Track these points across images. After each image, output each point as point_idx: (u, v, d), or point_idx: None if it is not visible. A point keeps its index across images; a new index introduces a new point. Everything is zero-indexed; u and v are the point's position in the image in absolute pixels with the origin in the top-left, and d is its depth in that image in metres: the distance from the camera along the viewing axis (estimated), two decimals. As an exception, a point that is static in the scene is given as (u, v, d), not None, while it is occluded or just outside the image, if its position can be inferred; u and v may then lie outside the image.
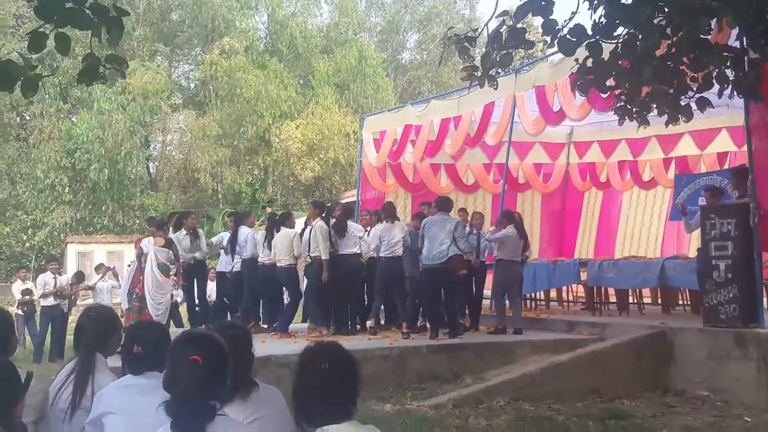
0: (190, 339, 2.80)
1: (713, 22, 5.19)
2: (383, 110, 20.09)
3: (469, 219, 12.00)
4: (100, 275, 15.57)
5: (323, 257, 10.79)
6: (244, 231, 12.17)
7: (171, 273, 11.59)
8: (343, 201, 26.37)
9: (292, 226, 11.71)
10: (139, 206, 34.33)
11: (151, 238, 11.65)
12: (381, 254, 11.06)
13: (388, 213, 11.30)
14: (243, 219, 12.68)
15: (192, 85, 42.20)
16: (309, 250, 11.11)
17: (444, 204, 10.65)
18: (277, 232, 11.50)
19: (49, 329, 14.30)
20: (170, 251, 11.54)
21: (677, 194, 14.21)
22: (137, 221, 33.58)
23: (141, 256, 11.60)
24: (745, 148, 8.99)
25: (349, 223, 11.33)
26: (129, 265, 12.80)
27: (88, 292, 15.86)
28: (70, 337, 13.88)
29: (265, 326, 11.96)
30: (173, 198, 38.46)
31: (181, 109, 38.22)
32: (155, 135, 37.95)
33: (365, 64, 37.39)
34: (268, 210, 30.03)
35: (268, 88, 34.29)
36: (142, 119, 34.37)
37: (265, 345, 9.38)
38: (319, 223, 10.96)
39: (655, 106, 5.73)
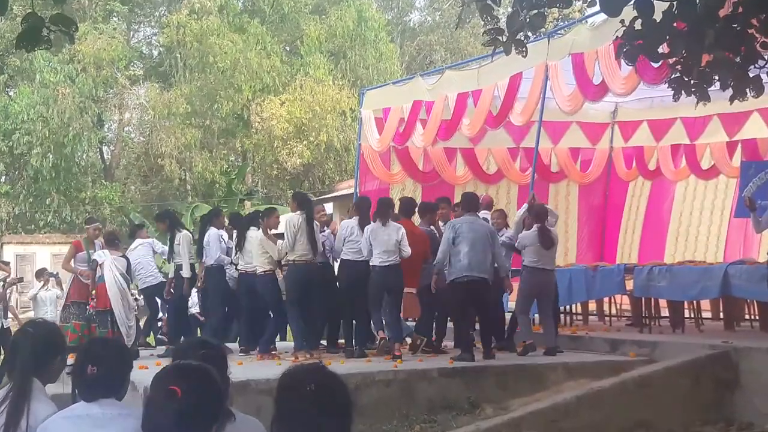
0: (174, 368, 2.84)
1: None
2: (387, 83, 20.13)
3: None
4: (42, 283, 15.58)
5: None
6: (211, 233, 12.18)
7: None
8: (337, 192, 26.43)
9: (275, 226, 11.69)
10: (91, 199, 34.37)
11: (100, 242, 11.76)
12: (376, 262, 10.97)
13: (381, 212, 11.21)
14: (212, 218, 12.69)
15: (155, 53, 42.19)
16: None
17: (472, 203, 10.67)
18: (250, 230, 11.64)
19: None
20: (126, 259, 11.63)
21: (744, 185, 14.18)
22: (87, 216, 33.62)
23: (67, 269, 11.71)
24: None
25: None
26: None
27: (27, 303, 15.90)
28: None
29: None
30: (132, 189, 38.51)
31: (141, 82, 38.25)
32: (110, 113, 37.98)
33: (365, 27, 37.34)
34: (247, 204, 30.09)
35: (247, 56, 34.26)
36: (94, 94, 34.38)
37: (242, 368, 9.38)
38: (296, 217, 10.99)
39: (717, 78, 5.72)
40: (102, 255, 11.55)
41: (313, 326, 11.57)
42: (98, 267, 11.58)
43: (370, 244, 10.75)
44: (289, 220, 10.99)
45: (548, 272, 11.05)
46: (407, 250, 10.76)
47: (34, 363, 3.86)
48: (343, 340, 11.79)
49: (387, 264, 10.76)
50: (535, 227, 10.93)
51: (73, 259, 12.08)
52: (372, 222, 11.00)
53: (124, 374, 3.67)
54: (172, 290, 12.07)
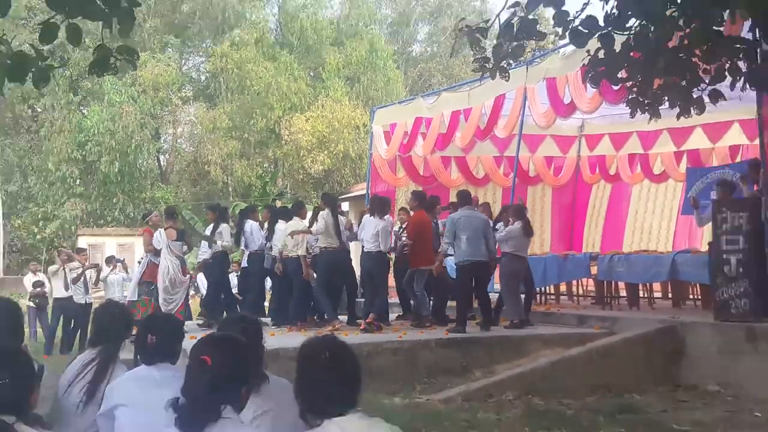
0: (208, 339, 2.83)
1: (726, 14, 5.16)
2: (394, 103, 20.10)
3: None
4: (111, 267, 15.61)
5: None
6: (253, 225, 12.17)
7: (188, 269, 11.63)
8: (352, 194, 26.43)
9: (303, 216, 11.70)
10: (150, 199, 34.44)
11: (162, 230, 11.58)
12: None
13: (377, 207, 11.17)
14: (249, 213, 12.68)
15: (202, 78, 42.26)
16: (317, 242, 11.16)
17: (467, 198, 10.66)
18: (285, 221, 11.58)
19: (61, 322, 14.34)
20: (183, 243, 11.52)
21: (689, 188, 14.15)
22: (141, 215, 33.71)
23: (150, 251, 11.59)
24: (757, 141, 8.94)
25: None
26: (139, 262, 12.76)
27: (99, 285, 15.92)
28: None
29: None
30: (183, 191, 38.57)
31: (191, 102, 38.32)
32: (165, 127, 38.05)
33: (376, 56, 37.36)
34: (278, 203, 30.09)
35: (278, 81, 34.31)
36: (152, 111, 34.48)
37: (274, 338, 9.39)
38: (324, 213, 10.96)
39: (667, 98, 5.70)
40: (159, 239, 11.45)
41: (337, 301, 11.54)
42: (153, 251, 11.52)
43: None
44: (321, 214, 10.99)
45: (524, 259, 11.04)
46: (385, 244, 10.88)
47: (118, 337, 4.04)
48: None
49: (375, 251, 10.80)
50: (518, 223, 10.90)
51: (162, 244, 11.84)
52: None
53: (177, 343, 3.71)
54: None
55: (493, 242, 10.57)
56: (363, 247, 10.96)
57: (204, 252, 12.07)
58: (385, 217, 11.19)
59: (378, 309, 10.88)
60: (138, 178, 34.89)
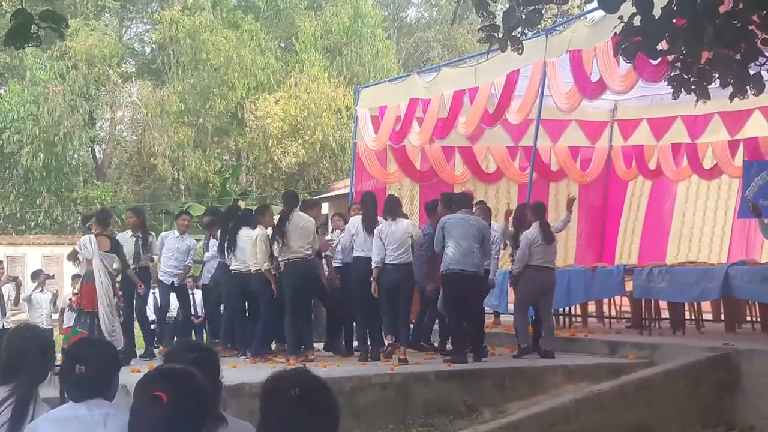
0: (159, 373, 2.84)
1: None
2: (383, 80, 20.13)
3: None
4: (36, 284, 15.55)
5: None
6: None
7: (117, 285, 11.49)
8: (333, 192, 26.43)
9: (267, 224, 11.60)
10: (83, 199, 34.34)
11: (92, 237, 11.38)
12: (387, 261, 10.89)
13: (389, 208, 11.20)
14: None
15: (147, 50, 42.15)
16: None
17: (465, 201, 10.71)
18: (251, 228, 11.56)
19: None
20: (117, 257, 11.43)
21: (746, 185, 14.22)
22: (79, 217, 33.56)
23: (76, 261, 11.51)
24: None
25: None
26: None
27: (19, 305, 15.83)
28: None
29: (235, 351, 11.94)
30: (124, 189, 38.46)
31: (134, 79, 38.22)
32: (102, 111, 37.94)
33: (361, 23, 37.34)
34: (241, 204, 30.05)
35: (241, 53, 34.25)
36: (85, 91, 34.35)
37: (236, 371, 9.37)
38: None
39: (717, 75, 5.72)
40: (88, 246, 11.20)
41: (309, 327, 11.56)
42: (83, 262, 11.36)
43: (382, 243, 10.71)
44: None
45: (552, 270, 11.07)
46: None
47: (38, 368, 4.02)
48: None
49: (397, 262, 10.70)
50: (536, 224, 10.92)
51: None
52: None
53: (112, 374, 3.69)
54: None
55: (490, 252, 10.64)
56: (380, 257, 10.85)
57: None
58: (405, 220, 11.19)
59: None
60: (68, 174, 34.75)
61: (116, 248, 11.37)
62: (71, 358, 3.60)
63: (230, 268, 11.77)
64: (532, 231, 10.88)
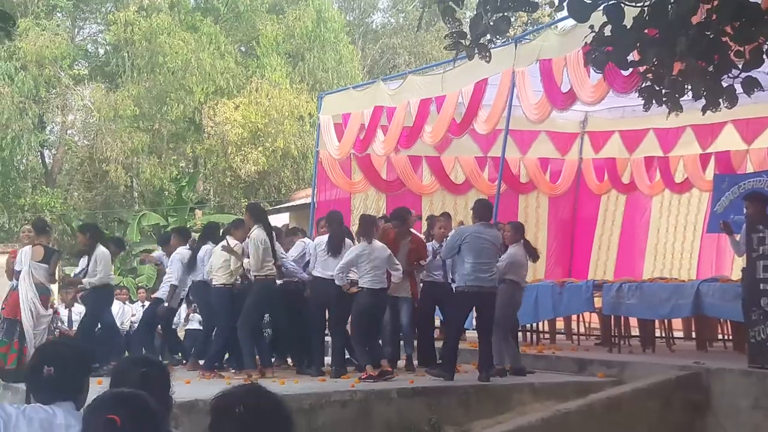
0: (112, 396, 2.86)
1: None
2: (347, 87, 20.12)
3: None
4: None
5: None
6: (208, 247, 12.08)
7: (51, 297, 11.36)
8: (294, 202, 26.37)
9: (242, 239, 11.60)
10: (31, 206, 33.97)
11: (26, 249, 11.34)
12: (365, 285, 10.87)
13: (365, 230, 11.14)
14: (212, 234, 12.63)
15: (101, 51, 41.82)
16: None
17: (485, 211, 10.65)
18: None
19: None
20: (49, 266, 11.34)
21: (717, 199, 14.38)
22: (27, 225, 33.24)
23: (11, 272, 11.41)
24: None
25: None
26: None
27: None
28: None
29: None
30: (75, 196, 38.08)
31: (86, 82, 37.86)
32: (52, 114, 37.55)
33: (324, 28, 37.35)
34: (198, 213, 29.90)
35: (199, 57, 34.08)
36: (35, 94, 33.99)
37: (190, 387, 9.30)
38: (256, 232, 10.90)
39: (690, 87, 5.78)
40: (22, 257, 11.21)
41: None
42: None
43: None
44: (256, 236, 10.87)
45: (523, 288, 11.19)
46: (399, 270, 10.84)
47: None
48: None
49: (378, 287, 10.67)
50: (518, 243, 11.00)
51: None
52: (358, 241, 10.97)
53: (82, 377, 3.66)
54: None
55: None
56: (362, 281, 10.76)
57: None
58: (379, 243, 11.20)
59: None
60: (15, 180, 34.38)
61: (49, 258, 11.32)
62: (40, 359, 3.58)
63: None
64: (517, 249, 10.94)
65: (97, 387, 3.32)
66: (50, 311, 11.35)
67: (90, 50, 41.88)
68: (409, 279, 11.38)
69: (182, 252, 12.24)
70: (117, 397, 2.84)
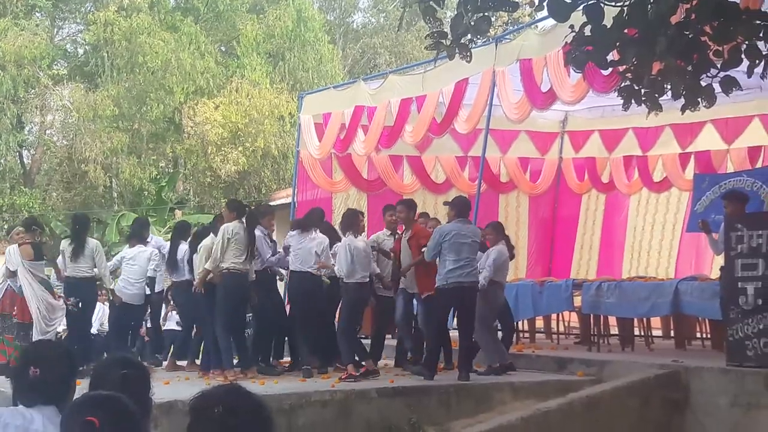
0: (90, 398, 2.86)
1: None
2: (328, 87, 20.10)
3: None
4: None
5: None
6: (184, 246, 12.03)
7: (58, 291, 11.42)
8: (274, 202, 26.31)
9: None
10: (9, 206, 33.80)
11: (14, 247, 11.34)
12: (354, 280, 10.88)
13: (348, 223, 11.15)
14: (183, 232, 12.55)
15: (80, 51, 41.62)
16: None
17: (463, 208, 10.68)
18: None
19: None
20: (44, 262, 11.33)
21: (697, 199, 14.42)
22: (5, 225, 33.01)
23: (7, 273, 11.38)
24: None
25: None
26: None
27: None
28: None
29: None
30: (54, 196, 37.91)
31: (65, 82, 37.65)
32: (31, 115, 37.34)
33: (304, 27, 37.30)
34: (177, 213, 29.80)
35: (179, 57, 33.98)
36: (14, 94, 33.82)
37: (169, 387, 9.27)
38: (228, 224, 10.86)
39: (669, 86, 5.79)
40: (11, 257, 11.23)
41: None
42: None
43: (352, 261, 10.68)
44: (224, 228, 10.82)
45: (503, 287, 11.24)
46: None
47: None
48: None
49: (366, 281, 10.82)
50: (502, 243, 11.04)
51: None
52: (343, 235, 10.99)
53: (69, 379, 3.63)
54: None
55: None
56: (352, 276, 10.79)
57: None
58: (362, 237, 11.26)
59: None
60: (-7, 180, 34.17)
61: (40, 255, 11.29)
62: (25, 360, 3.56)
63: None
64: (503, 249, 10.98)
65: (77, 388, 3.31)
66: (60, 301, 11.34)
67: (69, 50, 41.67)
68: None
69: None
70: (95, 399, 2.84)
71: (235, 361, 10.95)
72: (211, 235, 11.12)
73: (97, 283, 11.76)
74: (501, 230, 11.42)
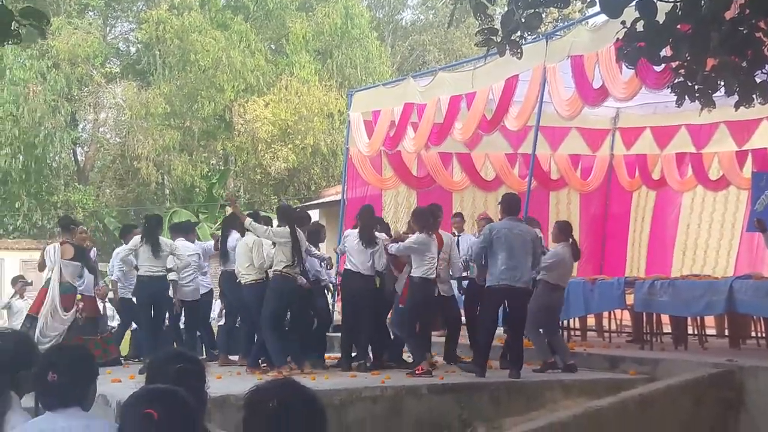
0: (148, 391, 2.92)
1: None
2: (377, 84, 20.14)
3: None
4: (15, 291, 15.56)
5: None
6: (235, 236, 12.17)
7: (77, 296, 11.47)
8: (324, 199, 26.43)
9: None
10: (63, 203, 34.28)
11: (56, 246, 11.48)
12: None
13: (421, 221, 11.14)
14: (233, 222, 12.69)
15: (133, 50, 42.15)
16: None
17: (512, 205, 10.64)
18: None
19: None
20: (81, 264, 11.45)
21: (756, 198, 14.22)
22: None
23: (42, 264, 11.56)
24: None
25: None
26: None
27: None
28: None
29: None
30: (107, 193, 38.42)
31: (118, 80, 38.18)
32: (85, 112, 37.90)
33: (351, 24, 37.36)
34: (228, 210, 30.02)
35: (230, 55, 34.27)
36: (67, 92, 34.32)
37: (221, 382, 9.36)
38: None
39: (723, 83, 5.75)
40: (51, 255, 11.37)
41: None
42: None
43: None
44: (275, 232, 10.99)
45: (562, 289, 11.19)
46: None
47: (8, 374, 3.93)
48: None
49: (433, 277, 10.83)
50: (564, 244, 11.04)
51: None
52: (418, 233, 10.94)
53: (88, 382, 3.68)
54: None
55: (539, 263, 10.66)
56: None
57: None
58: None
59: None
60: (48, 177, 34.69)
61: (81, 256, 11.42)
62: (45, 365, 3.61)
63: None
64: (559, 250, 10.98)
65: (130, 382, 3.37)
66: (70, 313, 11.38)
67: (122, 48, 42.25)
68: None
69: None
70: (154, 393, 2.90)
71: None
72: (248, 234, 11.32)
73: (170, 280, 11.89)
74: (564, 229, 11.29)
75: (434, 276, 10.80)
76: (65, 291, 11.26)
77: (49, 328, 11.08)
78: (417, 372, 10.21)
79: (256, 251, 11.18)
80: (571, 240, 11.14)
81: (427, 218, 11.03)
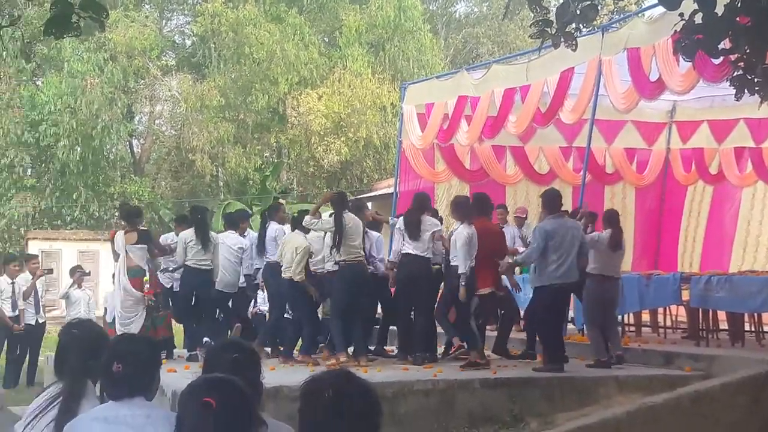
0: (206, 380, 2.97)
1: None
2: (430, 77, 20.14)
3: None
4: (73, 280, 15.78)
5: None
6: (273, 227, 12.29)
7: (145, 280, 11.64)
8: (376, 192, 26.50)
9: (282, 221, 11.99)
10: (120, 194, 34.65)
11: (120, 233, 11.72)
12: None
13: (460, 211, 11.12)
14: (272, 212, 12.78)
15: (188, 43, 42.53)
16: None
17: (553, 203, 10.63)
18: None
19: (5, 347, 14.55)
20: (148, 247, 11.63)
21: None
22: (117, 213, 33.91)
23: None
24: None
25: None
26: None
27: (57, 303, 16.09)
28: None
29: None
30: (162, 185, 38.81)
31: (174, 73, 38.55)
32: (141, 105, 38.34)
33: (404, 17, 37.31)
34: (281, 202, 30.21)
35: (284, 48, 34.44)
36: (124, 84, 34.71)
37: (275, 373, 9.45)
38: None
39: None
40: (119, 243, 11.61)
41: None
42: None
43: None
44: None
45: (614, 280, 11.11)
46: None
47: (83, 363, 4.04)
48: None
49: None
50: (607, 231, 10.98)
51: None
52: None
53: (152, 372, 3.76)
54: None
55: (586, 259, 10.63)
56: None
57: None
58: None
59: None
60: (105, 169, 35.10)
61: (146, 239, 11.63)
62: (110, 356, 3.68)
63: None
64: (602, 236, 10.97)
65: (186, 372, 3.41)
66: (140, 294, 11.61)
67: (177, 41, 42.64)
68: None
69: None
70: (211, 382, 2.94)
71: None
72: (297, 231, 11.39)
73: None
74: (609, 218, 11.28)
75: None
76: (134, 275, 11.50)
77: (127, 311, 11.38)
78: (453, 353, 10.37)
79: (300, 256, 11.22)
80: (613, 230, 11.04)
81: (468, 207, 11.03)
